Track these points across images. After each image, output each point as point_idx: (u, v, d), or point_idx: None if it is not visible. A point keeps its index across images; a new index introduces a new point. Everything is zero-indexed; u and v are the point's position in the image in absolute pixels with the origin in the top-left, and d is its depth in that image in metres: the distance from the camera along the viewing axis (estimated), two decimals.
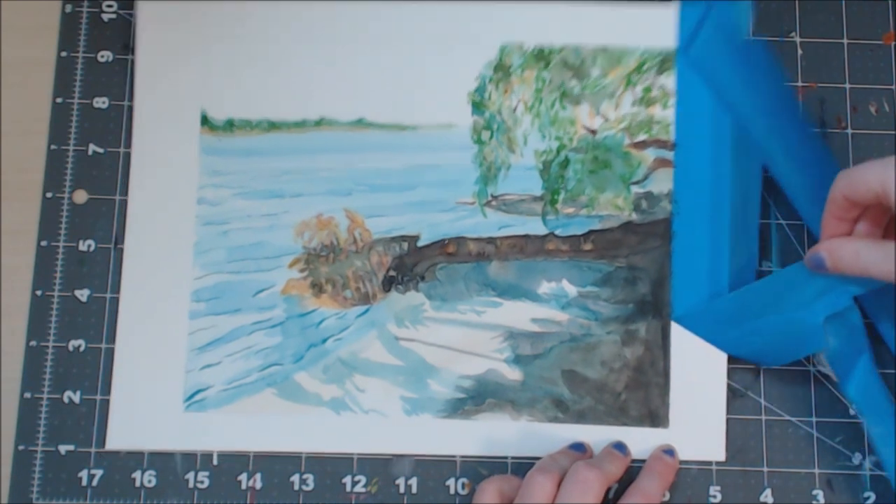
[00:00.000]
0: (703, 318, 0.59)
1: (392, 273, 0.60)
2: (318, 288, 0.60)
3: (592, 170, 0.61)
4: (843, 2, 0.63)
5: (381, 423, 0.59)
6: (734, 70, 0.60)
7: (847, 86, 0.62)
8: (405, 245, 0.61)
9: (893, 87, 0.62)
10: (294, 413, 0.59)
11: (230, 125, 0.61)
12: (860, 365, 0.56)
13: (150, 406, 0.59)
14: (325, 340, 0.60)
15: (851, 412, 0.59)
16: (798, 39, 0.63)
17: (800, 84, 0.62)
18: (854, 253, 0.52)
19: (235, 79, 0.61)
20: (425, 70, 0.61)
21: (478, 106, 0.61)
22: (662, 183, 0.61)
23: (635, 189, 0.61)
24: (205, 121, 0.61)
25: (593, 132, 0.61)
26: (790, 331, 0.57)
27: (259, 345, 0.59)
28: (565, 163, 0.61)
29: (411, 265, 0.60)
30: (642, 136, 0.61)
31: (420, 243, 0.61)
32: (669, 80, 0.61)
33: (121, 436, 0.59)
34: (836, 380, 0.58)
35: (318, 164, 0.61)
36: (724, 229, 0.60)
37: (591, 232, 0.61)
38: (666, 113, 0.61)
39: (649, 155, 0.61)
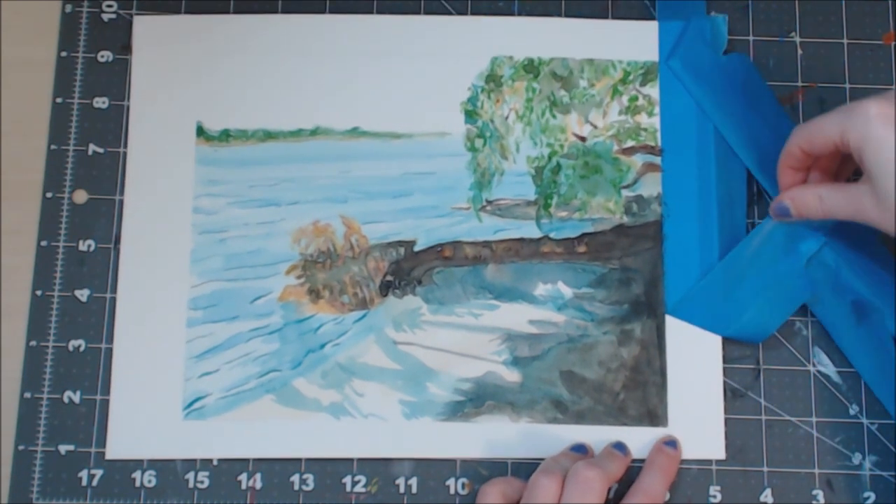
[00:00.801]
0: (695, 302, 0.59)
1: (389, 278, 0.60)
2: (315, 294, 0.60)
3: (583, 175, 0.62)
4: (843, 2, 0.64)
5: (381, 427, 0.58)
6: (712, 80, 0.62)
7: (847, 86, 0.63)
8: (402, 250, 0.60)
9: (893, 87, 0.63)
10: (293, 419, 0.58)
11: (226, 135, 0.61)
12: (843, 310, 0.58)
13: (150, 415, 0.58)
14: (323, 346, 0.59)
15: (851, 412, 0.59)
16: (798, 39, 0.63)
17: (800, 84, 0.63)
18: (816, 198, 0.55)
19: (231, 90, 0.62)
20: (419, 80, 0.62)
21: (470, 115, 0.62)
22: (651, 186, 0.61)
23: (625, 193, 0.61)
24: (200, 132, 0.61)
25: (583, 139, 0.62)
26: (774, 286, 0.58)
27: (257, 351, 0.59)
28: (557, 168, 0.62)
29: (408, 270, 0.60)
30: (630, 143, 0.62)
31: (416, 248, 0.60)
32: (653, 91, 0.63)
33: (121, 445, 0.58)
34: (827, 329, 0.59)
35: (313, 172, 0.61)
36: (712, 229, 0.60)
37: (584, 235, 0.61)
38: (652, 120, 0.62)
39: (638, 160, 0.62)
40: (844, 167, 0.58)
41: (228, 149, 0.61)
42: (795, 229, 0.59)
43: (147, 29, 0.62)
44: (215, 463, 0.58)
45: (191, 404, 0.58)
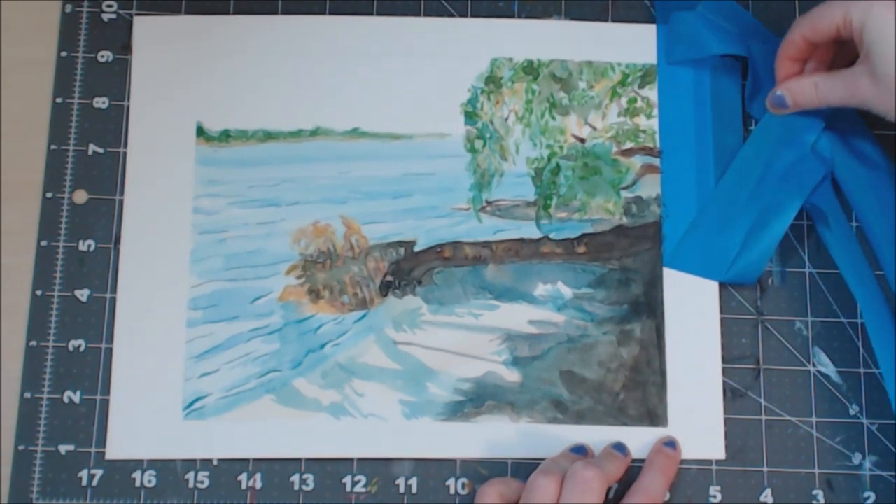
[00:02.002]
0: (692, 242, 0.59)
1: (389, 278, 0.59)
2: (315, 294, 0.59)
3: (583, 176, 0.61)
4: None
5: (381, 427, 0.57)
6: (706, 82, 0.62)
7: None
8: (402, 250, 0.60)
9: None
10: (293, 419, 0.57)
11: (226, 136, 0.61)
12: (835, 216, 0.59)
13: (150, 415, 0.57)
14: (323, 346, 0.58)
15: (851, 412, 0.58)
16: None
17: None
18: (812, 86, 0.56)
19: (231, 90, 0.61)
20: (419, 82, 0.61)
21: (470, 116, 0.61)
22: (650, 188, 0.61)
23: (625, 194, 0.61)
24: (200, 132, 0.60)
25: (582, 140, 0.61)
26: (768, 202, 0.58)
27: (257, 352, 0.58)
28: (556, 169, 0.61)
29: (408, 270, 0.59)
30: (629, 144, 0.61)
31: (416, 248, 0.60)
32: (652, 93, 0.62)
33: (121, 445, 0.57)
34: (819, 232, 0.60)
35: (314, 172, 0.60)
36: None
37: (583, 235, 0.60)
38: (651, 122, 0.62)
39: (637, 161, 0.61)
40: (840, 60, 0.59)
41: (228, 149, 0.60)
42: (789, 130, 0.60)
43: (147, 29, 0.62)
44: (215, 463, 0.57)
45: (191, 404, 0.57)
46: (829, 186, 0.59)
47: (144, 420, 0.57)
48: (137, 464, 0.57)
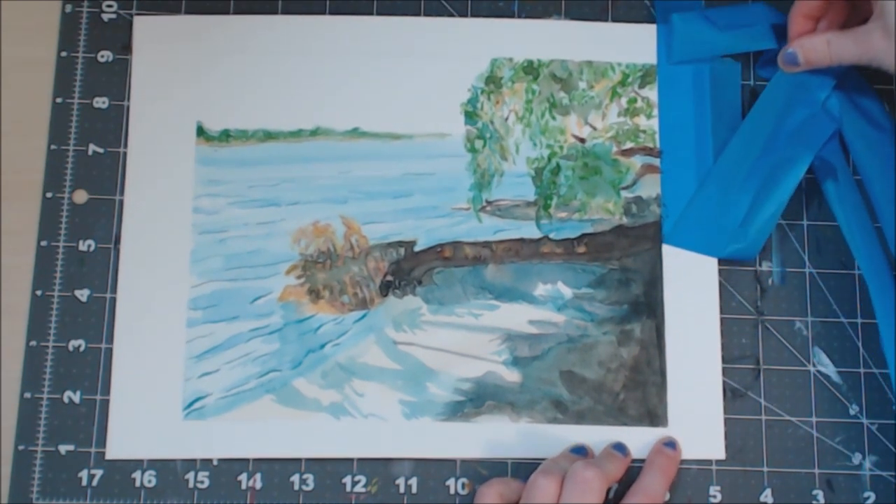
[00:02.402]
0: (691, 217, 0.59)
1: (389, 278, 0.59)
2: (315, 294, 0.58)
3: (583, 176, 0.61)
4: None
5: (381, 427, 0.57)
6: (706, 82, 0.61)
7: None
8: (402, 250, 0.59)
9: (894, 86, 0.62)
10: (293, 419, 0.57)
11: (226, 135, 0.60)
12: (842, 169, 0.59)
13: (150, 415, 0.57)
14: (323, 346, 0.58)
15: (851, 412, 0.58)
16: None
17: None
18: (824, 43, 0.57)
19: (231, 90, 0.61)
20: (419, 81, 0.61)
21: (470, 116, 0.61)
22: (650, 188, 0.60)
23: (625, 194, 0.60)
24: (200, 132, 0.60)
25: (582, 140, 0.61)
26: (779, 159, 0.58)
27: (257, 351, 0.58)
28: (556, 169, 0.61)
29: (408, 270, 0.59)
30: (629, 144, 0.61)
31: (416, 248, 0.59)
32: (652, 93, 0.62)
33: (120, 445, 0.56)
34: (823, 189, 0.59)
35: (314, 172, 0.60)
36: None
37: (583, 235, 0.60)
38: (650, 122, 0.61)
39: (637, 161, 0.61)
40: (853, 19, 0.58)
41: (228, 149, 0.60)
42: (800, 88, 0.59)
43: (147, 29, 0.61)
44: (215, 463, 0.57)
45: (191, 404, 0.57)
46: (838, 142, 0.59)
47: (144, 420, 0.57)
48: (137, 464, 0.57)
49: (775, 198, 0.58)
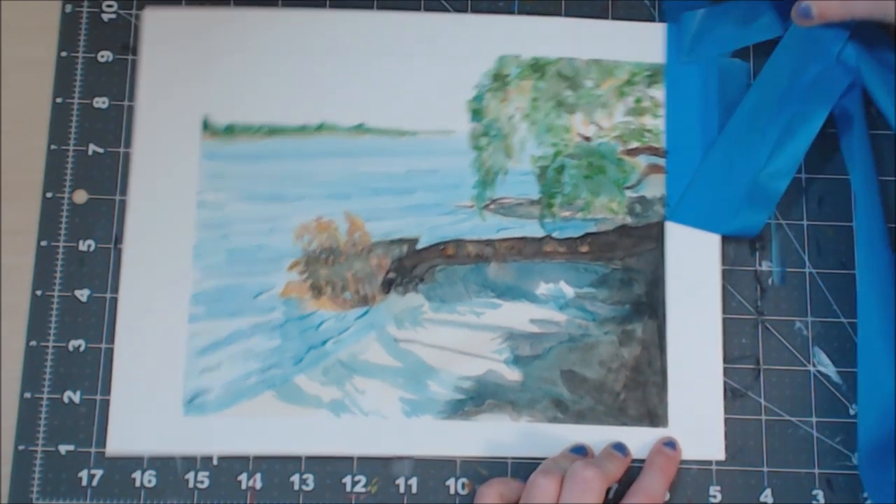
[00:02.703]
0: (695, 188, 0.58)
1: (391, 275, 0.58)
2: (317, 290, 0.58)
3: (587, 175, 0.60)
4: None
5: (381, 424, 0.57)
6: (713, 83, 0.60)
7: None
8: (404, 247, 0.59)
9: None
10: (294, 415, 0.56)
11: (231, 130, 0.59)
12: (856, 125, 0.58)
13: (150, 410, 0.56)
14: (324, 342, 0.57)
15: (851, 412, 0.58)
16: None
17: None
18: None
19: (237, 85, 0.60)
20: (425, 78, 0.60)
21: (476, 113, 0.60)
22: (655, 188, 0.60)
23: (629, 193, 0.60)
24: (206, 126, 0.59)
25: (588, 139, 0.60)
26: (794, 113, 0.57)
27: (258, 347, 0.57)
28: (561, 168, 0.60)
29: (410, 267, 0.59)
30: (635, 144, 0.60)
31: (419, 246, 0.59)
32: (659, 93, 0.61)
33: (121, 441, 0.56)
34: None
35: (318, 168, 0.59)
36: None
37: (587, 234, 0.59)
38: (657, 122, 0.61)
39: (642, 161, 0.60)
40: None
41: (233, 143, 0.59)
42: (813, 42, 0.58)
43: (156, 21, 0.60)
44: (215, 462, 0.56)
45: (191, 400, 0.56)
46: (859, 92, 0.59)
47: (145, 415, 0.56)
48: (137, 464, 0.56)
49: (790, 155, 0.57)
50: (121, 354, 0.57)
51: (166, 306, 0.57)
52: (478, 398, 0.57)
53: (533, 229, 0.59)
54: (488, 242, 0.59)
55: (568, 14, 0.62)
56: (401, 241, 0.59)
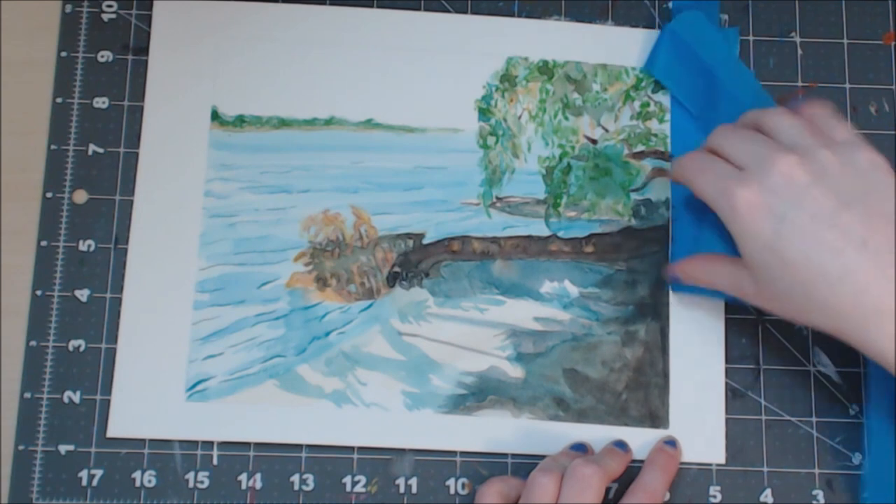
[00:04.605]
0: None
1: (396, 269, 0.57)
2: (322, 282, 0.56)
3: (593, 177, 0.59)
4: (843, 2, 0.61)
5: (383, 416, 0.55)
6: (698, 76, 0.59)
7: (847, 86, 0.60)
8: (410, 242, 0.57)
9: (893, 87, 0.60)
10: (295, 405, 0.55)
11: (241, 121, 0.58)
12: None
13: (152, 395, 0.55)
14: (328, 334, 0.56)
15: (851, 412, 0.56)
16: (798, 39, 0.61)
17: (800, 84, 0.60)
18: (704, 273, 0.53)
19: (247, 77, 0.58)
20: (435, 77, 0.59)
21: (484, 113, 0.59)
22: (660, 191, 0.58)
23: (634, 196, 0.58)
24: (215, 116, 0.58)
25: (594, 142, 0.59)
26: None
27: (262, 336, 0.55)
28: (567, 169, 0.59)
29: (416, 262, 0.57)
30: (640, 147, 0.59)
31: (425, 241, 0.57)
32: (665, 98, 0.60)
33: (122, 424, 0.54)
34: None
35: (326, 161, 0.58)
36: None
37: (592, 235, 0.58)
38: (662, 126, 0.59)
39: (647, 164, 0.59)
40: None
41: (242, 134, 0.58)
42: None
43: (167, 13, 0.59)
44: (216, 462, 0.54)
45: (194, 386, 0.55)
46: None
47: (147, 400, 0.54)
48: (138, 464, 0.54)
49: None
50: (125, 340, 0.55)
51: (172, 293, 0.56)
52: (479, 394, 0.55)
53: (538, 228, 0.58)
54: (494, 240, 0.57)
55: (568, 17, 0.60)
56: (407, 236, 0.57)
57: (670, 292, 0.57)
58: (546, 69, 0.60)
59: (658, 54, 0.59)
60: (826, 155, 0.48)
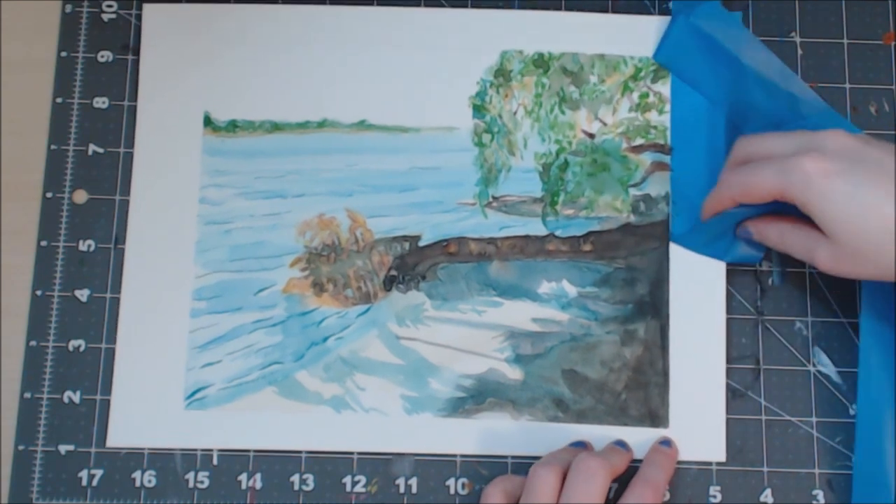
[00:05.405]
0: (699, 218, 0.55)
1: (393, 272, 0.56)
2: (319, 287, 0.55)
3: (591, 172, 0.57)
4: (843, 2, 0.59)
5: (382, 421, 0.54)
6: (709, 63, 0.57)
7: (847, 86, 0.58)
8: (406, 245, 0.56)
9: (893, 87, 0.59)
10: (295, 411, 0.54)
11: (233, 126, 0.57)
12: None
13: (151, 404, 0.54)
14: (325, 339, 0.55)
15: (851, 412, 0.55)
16: (798, 39, 0.59)
17: None
18: (778, 233, 0.52)
19: (239, 81, 0.57)
20: (427, 74, 0.57)
21: (479, 109, 0.57)
22: (660, 186, 0.57)
23: (633, 191, 0.57)
24: (208, 122, 0.57)
25: (592, 136, 0.57)
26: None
27: (260, 343, 0.55)
28: (564, 165, 0.57)
29: (412, 265, 0.56)
30: (639, 141, 0.57)
31: (421, 243, 0.56)
32: (665, 88, 0.58)
33: (121, 434, 0.54)
34: None
35: (320, 164, 0.56)
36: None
37: (590, 233, 0.56)
38: (662, 118, 0.57)
39: (646, 159, 0.57)
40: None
41: (235, 139, 0.56)
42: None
43: (156, 18, 0.57)
44: (215, 462, 0.54)
45: (192, 394, 0.54)
46: None
47: (146, 408, 0.54)
48: (138, 463, 0.54)
49: None
50: (123, 349, 0.55)
51: (169, 301, 0.55)
52: (479, 396, 0.55)
53: (536, 227, 0.56)
54: (490, 240, 0.56)
55: (568, 8, 0.58)
56: (403, 239, 0.56)
57: (670, 280, 0.56)
58: (541, 62, 0.58)
59: (669, 43, 0.57)
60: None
